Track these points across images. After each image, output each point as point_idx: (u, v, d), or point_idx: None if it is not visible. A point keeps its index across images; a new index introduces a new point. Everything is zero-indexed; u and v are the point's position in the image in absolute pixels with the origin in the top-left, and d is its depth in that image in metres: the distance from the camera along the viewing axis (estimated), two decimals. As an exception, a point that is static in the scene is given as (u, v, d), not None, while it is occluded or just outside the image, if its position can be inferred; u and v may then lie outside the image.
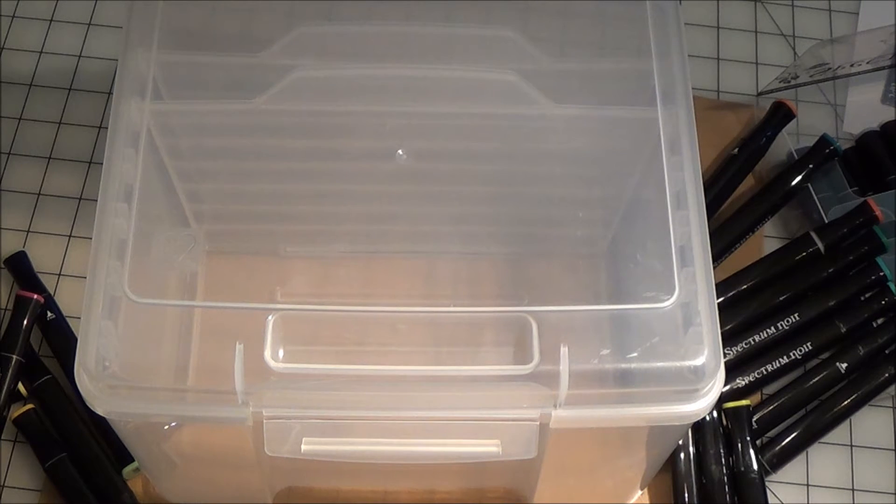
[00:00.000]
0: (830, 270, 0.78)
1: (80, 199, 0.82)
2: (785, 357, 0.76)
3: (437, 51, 0.65)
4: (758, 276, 0.78)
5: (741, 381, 0.76)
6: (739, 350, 0.76)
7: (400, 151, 0.68)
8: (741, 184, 0.83)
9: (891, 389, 0.76)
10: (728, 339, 0.76)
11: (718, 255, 0.80)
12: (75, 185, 0.83)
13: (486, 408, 0.57)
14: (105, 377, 0.55)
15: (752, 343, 0.76)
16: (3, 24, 0.89)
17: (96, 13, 0.90)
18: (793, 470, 0.76)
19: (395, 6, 0.67)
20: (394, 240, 0.77)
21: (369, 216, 0.75)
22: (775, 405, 0.75)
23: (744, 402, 0.74)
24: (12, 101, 0.86)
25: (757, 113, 0.86)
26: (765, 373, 0.76)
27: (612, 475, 0.72)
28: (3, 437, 0.74)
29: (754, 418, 0.75)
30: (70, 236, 0.81)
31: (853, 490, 0.76)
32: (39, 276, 0.79)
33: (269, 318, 0.56)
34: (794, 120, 0.84)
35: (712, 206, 0.81)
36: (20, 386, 0.74)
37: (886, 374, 0.75)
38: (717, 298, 0.65)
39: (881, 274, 0.77)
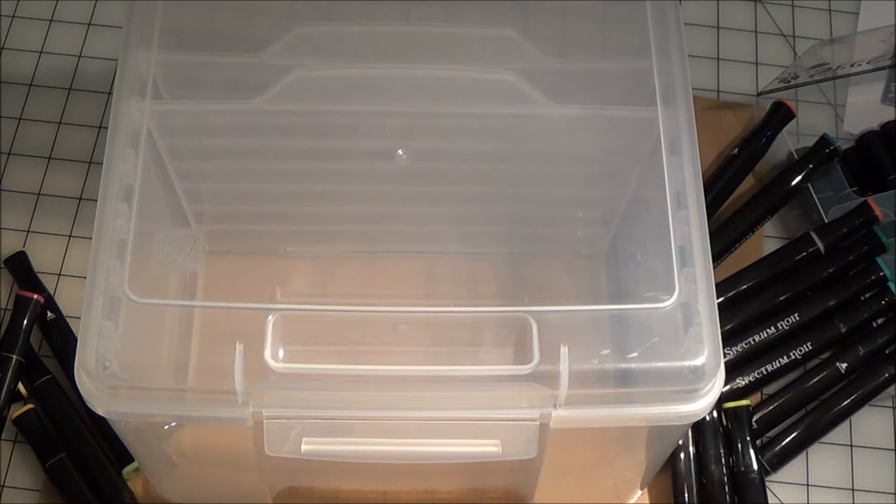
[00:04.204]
0: (830, 270, 0.78)
1: (80, 199, 0.82)
2: (785, 357, 0.76)
3: (437, 51, 0.65)
4: (758, 276, 0.78)
5: (741, 381, 0.76)
6: (739, 350, 0.76)
7: (400, 151, 0.68)
8: (741, 184, 0.83)
9: (891, 389, 0.76)
10: (728, 339, 0.76)
11: (718, 255, 0.80)
12: (75, 185, 0.83)
13: (486, 408, 0.57)
14: (105, 377, 0.55)
15: (752, 343, 0.76)
16: (3, 24, 0.89)
17: (96, 13, 0.90)
18: (793, 470, 0.76)
19: (395, 6, 0.67)
20: (394, 240, 0.77)
21: (369, 216, 0.75)
22: (775, 405, 0.75)
23: (744, 402, 0.74)
24: (12, 101, 0.86)
25: (757, 113, 0.86)
26: (765, 373, 0.76)
27: (612, 475, 0.72)
28: (3, 437, 0.74)
29: (754, 418, 0.75)
30: (70, 236, 0.81)
31: (853, 490, 0.76)
32: (39, 276, 0.79)
33: (269, 318, 0.56)
34: (794, 120, 0.84)
35: (712, 206, 0.81)
36: (20, 386, 0.74)
37: (886, 374, 0.75)
38: (717, 298, 0.65)
39: (881, 274, 0.77)
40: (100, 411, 0.55)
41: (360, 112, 0.66)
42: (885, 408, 0.78)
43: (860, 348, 0.76)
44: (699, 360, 0.56)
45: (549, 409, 0.56)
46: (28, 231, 0.81)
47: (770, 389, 0.77)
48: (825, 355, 0.77)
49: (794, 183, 0.81)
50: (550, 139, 0.68)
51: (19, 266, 0.79)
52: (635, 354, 0.59)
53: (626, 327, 0.60)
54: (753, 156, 0.83)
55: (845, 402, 0.75)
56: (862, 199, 0.80)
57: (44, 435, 0.72)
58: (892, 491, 0.76)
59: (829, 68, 0.83)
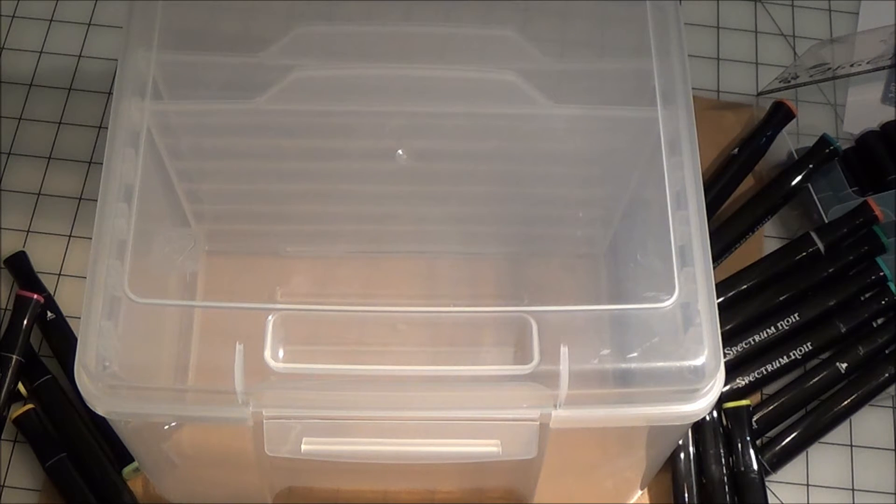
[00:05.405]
0: (830, 270, 0.78)
1: (80, 199, 0.82)
2: (785, 357, 0.76)
3: (437, 51, 0.65)
4: (758, 276, 0.78)
5: (741, 381, 0.76)
6: (739, 350, 0.76)
7: (400, 151, 0.68)
8: (741, 184, 0.83)
9: (891, 389, 0.76)
10: (728, 339, 0.76)
11: (718, 255, 0.80)
12: (75, 185, 0.83)
13: (486, 408, 0.57)
14: (105, 377, 0.55)
15: (752, 343, 0.76)
16: (3, 24, 0.89)
17: (96, 13, 0.90)
18: (793, 470, 0.76)
19: (395, 6, 0.67)
20: (394, 240, 0.77)
21: (369, 216, 0.75)
22: (775, 405, 0.75)
23: (744, 402, 0.74)
24: (12, 101, 0.86)
25: (757, 113, 0.86)
26: (765, 373, 0.76)
27: (612, 475, 0.72)
28: (3, 437, 0.74)
29: (754, 418, 0.75)
30: (70, 236, 0.81)
31: (853, 490, 0.76)
32: (39, 276, 0.79)
33: (269, 318, 0.56)
34: (794, 120, 0.84)
35: (712, 206, 0.81)
36: (20, 386, 0.74)
37: (886, 374, 0.75)
38: (717, 298, 0.65)
39: (881, 274, 0.77)
40: (100, 411, 0.55)
41: (360, 112, 0.66)
42: (885, 408, 0.78)
43: (860, 348, 0.76)
44: (699, 360, 0.56)
45: (549, 410, 0.56)
46: (28, 231, 0.81)
47: (770, 389, 0.77)
48: (825, 355, 0.77)
49: (794, 183, 0.81)
50: (550, 139, 0.68)
51: (19, 266, 0.79)
52: (635, 354, 0.59)
53: (626, 327, 0.60)
54: (753, 156, 0.83)
55: (845, 402, 0.75)
56: (862, 199, 0.80)
57: (44, 435, 0.72)
58: (892, 491, 0.76)
59: (829, 68, 0.83)
